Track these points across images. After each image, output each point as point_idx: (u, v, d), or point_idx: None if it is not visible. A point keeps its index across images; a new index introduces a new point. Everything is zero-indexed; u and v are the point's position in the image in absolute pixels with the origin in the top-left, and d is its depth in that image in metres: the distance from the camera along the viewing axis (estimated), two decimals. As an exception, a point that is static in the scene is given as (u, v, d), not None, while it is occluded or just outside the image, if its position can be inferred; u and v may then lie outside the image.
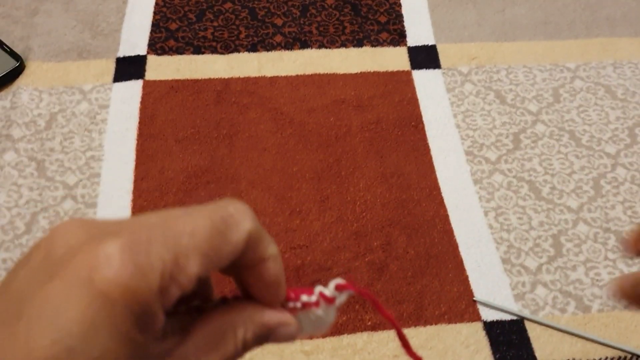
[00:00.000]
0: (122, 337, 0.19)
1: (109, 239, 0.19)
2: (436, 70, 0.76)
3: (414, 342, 0.56)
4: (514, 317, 0.57)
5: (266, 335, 0.25)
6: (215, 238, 0.22)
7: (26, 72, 0.73)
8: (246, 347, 0.24)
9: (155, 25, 0.79)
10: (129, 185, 0.65)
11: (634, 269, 0.61)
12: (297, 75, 0.75)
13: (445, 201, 0.65)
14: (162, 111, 0.71)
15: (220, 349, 0.23)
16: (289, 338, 0.26)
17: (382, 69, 0.76)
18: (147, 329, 0.20)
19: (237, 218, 0.22)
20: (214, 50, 0.77)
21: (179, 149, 0.68)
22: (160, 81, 0.74)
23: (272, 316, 0.25)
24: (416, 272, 0.60)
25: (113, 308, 0.19)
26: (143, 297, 0.19)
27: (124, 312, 0.19)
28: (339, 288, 0.28)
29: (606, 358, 0.55)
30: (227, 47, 0.77)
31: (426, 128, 0.71)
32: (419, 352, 0.56)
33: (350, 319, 0.57)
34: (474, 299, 0.54)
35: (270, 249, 0.24)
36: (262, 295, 0.25)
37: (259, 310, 0.25)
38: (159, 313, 0.20)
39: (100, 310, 0.18)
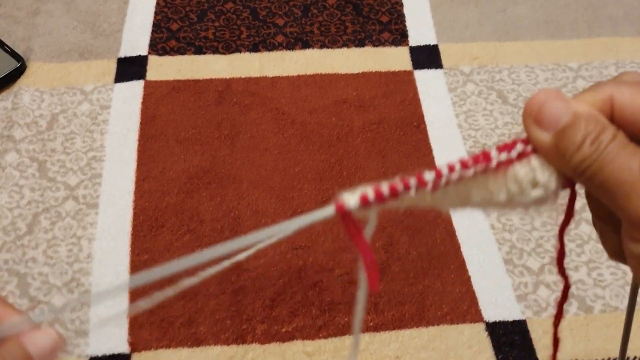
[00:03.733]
0: None
1: None
2: (438, 70, 0.76)
3: (416, 343, 0.56)
4: (517, 318, 0.57)
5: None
6: None
7: (27, 72, 0.73)
8: None
9: (157, 26, 0.79)
10: (131, 186, 0.65)
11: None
12: (298, 76, 0.75)
13: (447, 201, 0.65)
14: (163, 112, 0.71)
15: None
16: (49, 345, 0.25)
17: (383, 69, 0.76)
18: None
19: None
20: (216, 51, 0.77)
21: (181, 150, 0.68)
22: (162, 81, 0.73)
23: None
24: (418, 273, 0.60)
25: None
26: None
27: None
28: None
29: (609, 359, 0.55)
30: (228, 48, 0.77)
31: (428, 128, 0.70)
32: (421, 353, 0.56)
33: (352, 320, 0.57)
34: None
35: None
36: None
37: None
38: None
39: None
